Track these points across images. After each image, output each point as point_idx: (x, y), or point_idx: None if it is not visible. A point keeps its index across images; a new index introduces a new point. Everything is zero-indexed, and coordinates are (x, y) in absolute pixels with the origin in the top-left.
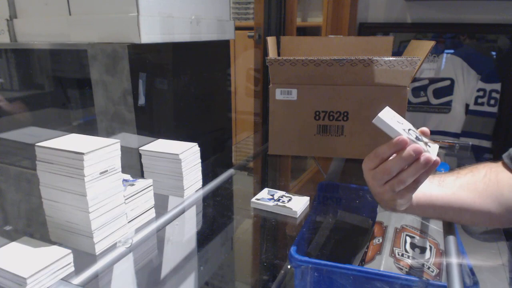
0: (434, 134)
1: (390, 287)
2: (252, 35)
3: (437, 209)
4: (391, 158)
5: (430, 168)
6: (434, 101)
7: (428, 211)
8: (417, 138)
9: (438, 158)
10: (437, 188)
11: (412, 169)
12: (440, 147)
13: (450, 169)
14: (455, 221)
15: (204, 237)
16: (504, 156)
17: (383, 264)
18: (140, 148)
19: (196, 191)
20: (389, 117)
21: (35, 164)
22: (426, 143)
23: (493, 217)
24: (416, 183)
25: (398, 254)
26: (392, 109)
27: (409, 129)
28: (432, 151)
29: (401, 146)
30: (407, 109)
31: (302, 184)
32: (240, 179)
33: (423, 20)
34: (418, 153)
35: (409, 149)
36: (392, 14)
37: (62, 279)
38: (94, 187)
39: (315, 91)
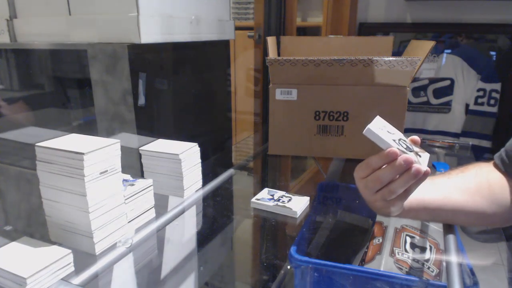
0: (434, 134)
1: (390, 287)
2: (252, 35)
3: (430, 212)
4: (382, 167)
5: (420, 179)
6: (434, 101)
7: (421, 214)
8: (407, 148)
9: (428, 169)
10: (428, 191)
11: (403, 179)
12: (440, 147)
13: (450, 169)
14: (450, 222)
15: (204, 237)
16: (496, 156)
17: (383, 264)
18: (140, 148)
19: (196, 191)
20: (379, 128)
21: (35, 164)
22: (416, 153)
23: (487, 217)
24: (407, 192)
25: (398, 254)
26: (392, 109)
27: (399, 139)
28: (422, 161)
29: (392, 158)
30: (407, 109)
31: (302, 184)
32: (240, 179)
33: (423, 20)
34: (409, 164)
35: (400, 160)
36: (392, 14)
37: (62, 279)
38: (94, 187)
39: (315, 91)
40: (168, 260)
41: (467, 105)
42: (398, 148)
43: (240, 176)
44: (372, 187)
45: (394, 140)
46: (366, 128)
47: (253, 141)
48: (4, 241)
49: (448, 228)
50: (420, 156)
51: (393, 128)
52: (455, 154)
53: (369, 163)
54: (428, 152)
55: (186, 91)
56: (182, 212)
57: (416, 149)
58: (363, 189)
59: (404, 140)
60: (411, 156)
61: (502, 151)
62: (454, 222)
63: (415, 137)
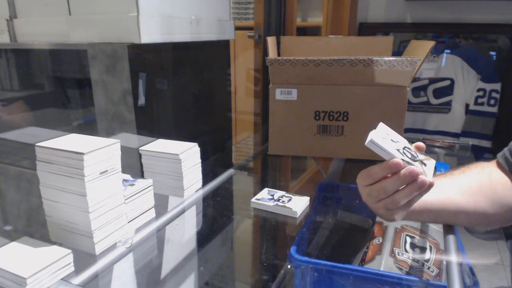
0: (434, 134)
1: (390, 287)
2: (252, 35)
3: (432, 213)
4: (388, 178)
5: (425, 190)
6: (434, 101)
7: (423, 216)
8: (412, 157)
9: (433, 180)
10: (431, 193)
11: (407, 190)
12: (440, 147)
13: (450, 169)
14: (451, 223)
15: (204, 237)
16: (499, 156)
17: (383, 264)
18: (140, 148)
19: (196, 191)
20: (382, 137)
21: (35, 164)
22: (421, 161)
23: (489, 217)
24: (410, 203)
25: (398, 254)
26: (392, 109)
27: (404, 147)
28: (428, 169)
29: (395, 169)
30: (407, 109)
31: (302, 184)
32: (240, 179)
33: (423, 20)
34: (414, 176)
35: (405, 171)
36: (392, 14)
37: (62, 279)
38: (94, 187)
39: (315, 91)
40: (168, 260)
41: (467, 105)
42: (402, 159)
43: (240, 176)
44: (375, 196)
45: (398, 150)
46: (369, 139)
47: (253, 141)
48: (4, 241)
49: (448, 228)
50: (425, 164)
51: (398, 135)
52: (455, 154)
53: (370, 173)
54: (428, 152)
55: (186, 91)
56: (182, 212)
57: (421, 156)
58: (366, 196)
59: (409, 149)
60: (416, 166)
61: (506, 150)
62: (456, 223)
63: (421, 144)
